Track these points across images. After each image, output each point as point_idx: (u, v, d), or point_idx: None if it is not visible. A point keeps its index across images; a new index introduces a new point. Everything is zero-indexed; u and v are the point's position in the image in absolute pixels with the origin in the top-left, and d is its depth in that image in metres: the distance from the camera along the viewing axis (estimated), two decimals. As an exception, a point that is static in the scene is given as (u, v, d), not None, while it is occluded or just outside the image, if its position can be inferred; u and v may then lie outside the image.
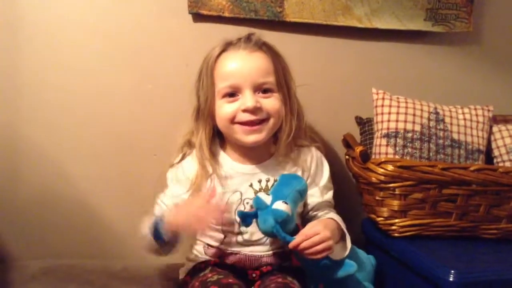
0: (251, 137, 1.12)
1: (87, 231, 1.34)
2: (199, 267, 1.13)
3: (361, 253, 1.22)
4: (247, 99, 1.10)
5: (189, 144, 1.20)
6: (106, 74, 1.32)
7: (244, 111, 1.10)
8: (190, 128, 1.20)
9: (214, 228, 1.09)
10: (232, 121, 1.12)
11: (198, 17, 1.34)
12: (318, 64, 1.43)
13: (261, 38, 1.17)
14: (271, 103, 1.13)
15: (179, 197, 1.14)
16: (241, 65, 1.12)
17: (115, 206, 1.35)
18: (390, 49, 1.47)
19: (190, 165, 1.17)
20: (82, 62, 1.31)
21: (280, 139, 1.17)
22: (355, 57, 1.46)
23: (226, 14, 1.33)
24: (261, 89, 1.13)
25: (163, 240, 1.05)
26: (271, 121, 1.13)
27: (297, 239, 1.00)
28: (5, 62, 1.27)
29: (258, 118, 1.11)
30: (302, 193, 1.08)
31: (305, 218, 1.22)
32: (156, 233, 1.04)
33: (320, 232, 1.01)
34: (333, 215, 1.18)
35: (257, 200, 1.05)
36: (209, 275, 1.05)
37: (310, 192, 1.19)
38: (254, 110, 1.10)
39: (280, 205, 1.02)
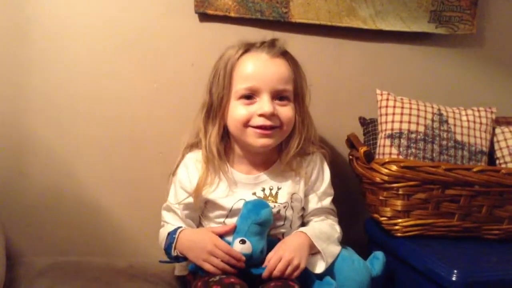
0: (261, 141, 1.12)
1: (92, 229, 1.35)
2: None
3: (358, 262, 1.17)
4: (265, 103, 1.10)
5: (192, 147, 1.21)
6: (113, 73, 1.33)
7: (261, 115, 1.11)
8: (195, 129, 1.20)
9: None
10: (246, 124, 1.12)
11: (204, 17, 1.34)
12: (323, 65, 1.44)
13: (284, 46, 1.17)
14: (286, 112, 1.13)
15: (187, 202, 1.16)
16: (263, 69, 1.12)
17: (121, 204, 1.36)
18: (394, 50, 1.48)
19: (194, 173, 1.17)
20: (88, 62, 1.31)
21: (288, 148, 1.18)
22: (359, 58, 1.47)
23: (232, 14, 1.34)
24: (278, 96, 1.13)
25: (173, 256, 1.11)
26: (283, 129, 1.14)
27: (265, 272, 1.04)
28: (13, 61, 1.28)
29: (271, 124, 1.12)
30: (263, 223, 1.07)
31: (304, 222, 1.24)
32: (168, 249, 1.12)
33: (282, 256, 1.05)
34: (319, 224, 1.20)
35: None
36: (212, 275, 1.06)
37: (308, 198, 1.22)
38: (270, 116, 1.11)
39: (238, 247, 1.05)
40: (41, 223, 1.32)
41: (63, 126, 1.32)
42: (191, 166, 1.18)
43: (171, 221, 1.17)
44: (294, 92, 1.15)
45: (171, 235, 1.10)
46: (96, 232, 1.35)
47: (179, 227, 1.12)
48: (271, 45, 1.15)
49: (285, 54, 1.16)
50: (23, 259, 1.19)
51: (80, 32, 1.30)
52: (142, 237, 1.36)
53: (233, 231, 1.08)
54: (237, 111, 1.12)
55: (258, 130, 1.11)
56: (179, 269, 1.21)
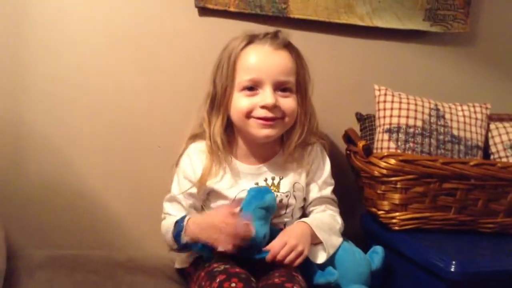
0: (264, 131, 1.13)
1: (91, 222, 1.34)
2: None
3: (359, 254, 1.19)
4: (267, 95, 1.11)
5: (196, 137, 1.21)
6: (111, 67, 1.32)
7: (263, 107, 1.11)
8: (199, 120, 1.21)
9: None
10: (248, 115, 1.13)
11: (204, 11, 1.35)
12: (320, 61, 1.43)
13: (287, 38, 1.18)
14: (289, 103, 1.14)
15: (191, 192, 1.16)
16: (266, 61, 1.13)
17: (120, 197, 1.35)
18: (390, 47, 1.50)
19: (198, 163, 1.17)
20: (87, 55, 1.31)
21: (290, 140, 1.19)
22: (356, 55, 1.48)
23: (232, 9, 1.35)
24: (281, 87, 1.14)
25: (182, 243, 1.09)
26: (286, 119, 1.15)
27: (269, 256, 1.05)
28: (11, 54, 1.27)
29: (273, 116, 1.13)
30: (267, 208, 1.08)
31: (305, 212, 1.26)
32: (177, 236, 1.09)
33: (287, 242, 1.06)
34: (320, 215, 1.21)
35: None
36: (215, 265, 1.06)
37: (309, 187, 1.23)
38: (272, 108, 1.11)
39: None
40: (40, 216, 1.31)
41: (62, 119, 1.31)
42: (195, 156, 1.18)
43: (174, 212, 1.16)
44: (297, 84, 1.16)
45: (179, 223, 1.09)
46: (95, 226, 1.34)
47: (185, 216, 1.12)
48: (274, 37, 1.16)
49: (288, 46, 1.16)
50: (22, 252, 1.18)
51: (79, 25, 1.30)
52: (140, 230, 1.36)
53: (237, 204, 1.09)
54: (240, 102, 1.13)
55: (261, 121, 1.12)
56: (179, 261, 1.21)
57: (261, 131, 1.13)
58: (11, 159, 1.29)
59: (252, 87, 1.13)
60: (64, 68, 1.30)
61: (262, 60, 1.13)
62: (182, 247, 1.10)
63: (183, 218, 1.10)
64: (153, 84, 1.35)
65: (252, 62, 1.13)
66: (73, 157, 1.32)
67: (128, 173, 1.35)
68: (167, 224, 1.14)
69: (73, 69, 1.30)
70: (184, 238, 1.07)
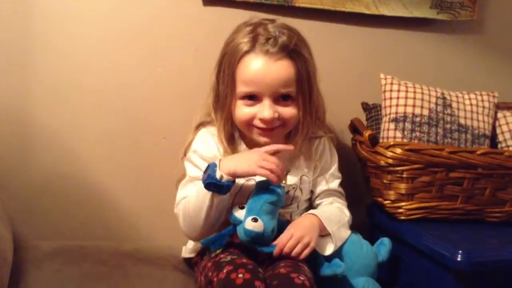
0: (264, 139, 1.14)
1: (97, 214, 1.35)
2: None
3: (366, 246, 1.18)
4: (265, 109, 1.10)
5: (203, 125, 1.21)
6: (116, 57, 1.32)
7: (261, 120, 1.11)
8: (206, 109, 1.20)
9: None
10: (249, 123, 1.13)
11: (208, 1, 1.34)
12: (325, 50, 1.43)
13: (291, 41, 1.11)
14: (289, 112, 1.13)
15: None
16: (264, 74, 1.10)
17: (126, 188, 1.36)
18: (396, 36, 1.49)
19: (212, 143, 1.17)
20: (92, 47, 1.30)
21: (295, 138, 1.19)
22: (362, 44, 1.47)
23: (237, -2, 1.34)
24: (281, 96, 1.12)
25: (217, 183, 1.04)
26: (286, 127, 1.16)
27: (276, 249, 1.05)
28: (19, 51, 1.27)
29: (272, 127, 1.13)
30: (275, 202, 1.07)
31: (312, 205, 1.26)
32: (210, 177, 1.04)
33: (293, 233, 1.06)
34: (328, 207, 1.21)
35: (232, 217, 1.08)
36: (222, 255, 1.06)
37: (316, 180, 1.23)
38: (270, 121, 1.11)
39: (250, 224, 1.04)
40: (46, 208, 1.32)
41: (68, 113, 1.31)
42: (208, 137, 1.17)
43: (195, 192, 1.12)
44: (299, 90, 1.13)
45: (212, 166, 1.05)
46: (101, 217, 1.35)
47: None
48: (274, 45, 1.10)
49: (289, 52, 1.11)
50: (30, 243, 1.19)
51: (84, 18, 1.29)
52: (147, 221, 1.36)
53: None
54: (240, 111, 1.13)
55: (260, 131, 1.13)
56: (186, 251, 1.22)
57: (261, 139, 1.14)
58: (19, 152, 1.29)
59: (252, 96, 1.12)
60: (70, 61, 1.29)
61: (260, 74, 1.10)
62: (218, 185, 1.04)
63: (214, 163, 1.06)
64: (158, 75, 1.35)
65: (250, 74, 1.10)
66: (80, 149, 1.33)
67: (134, 165, 1.35)
68: (188, 200, 1.10)
69: (79, 63, 1.30)
70: (219, 173, 1.03)
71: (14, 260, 1.07)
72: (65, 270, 1.10)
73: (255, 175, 1.08)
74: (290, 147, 1.14)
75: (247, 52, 1.11)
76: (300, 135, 1.18)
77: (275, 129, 1.14)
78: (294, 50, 1.12)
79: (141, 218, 1.37)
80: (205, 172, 1.07)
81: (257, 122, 1.12)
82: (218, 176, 1.03)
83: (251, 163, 1.05)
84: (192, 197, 1.10)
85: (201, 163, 1.14)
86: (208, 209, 1.06)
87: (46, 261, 1.12)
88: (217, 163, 1.06)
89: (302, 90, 1.14)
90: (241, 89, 1.12)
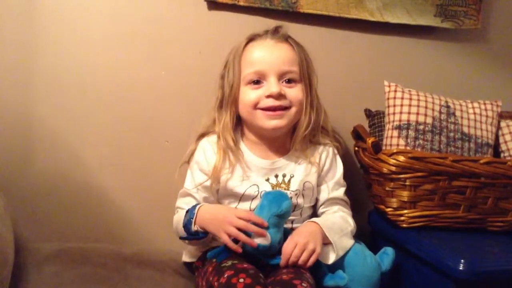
0: (273, 122, 1.14)
1: (98, 216, 1.34)
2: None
3: (370, 257, 1.17)
4: (272, 85, 1.13)
5: (205, 135, 1.22)
6: (121, 60, 1.32)
7: (268, 96, 1.13)
8: (210, 119, 1.22)
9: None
10: (255, 107, 1.15)
11: (213, 5, 1.34)
12: (329, 56, 1.44)
13: (287, 33, 1.20)
14: (294, 92, 1.16)
15: (206, 185, 1.17)
16: (268, 53, 1.16)
17: (127, 191, 1.36)
18: (400, 43, 1.49)
19: (211, 153, 1.18)
20: (96, 49, 1.31)
21: (297, 131, 1.19)
22: (366, 50, 1.48)
23: (241, 3, 1.34)
24: (285, 78, 1.15)
25: (192, 231, 1.10)
26: (293, 109, 1.16)
27: (282, 260, 1.05)
28: (21, 48, 1.27)
29: (280, 105, 1.14)
30: (283, 215, 1.07)
31: (316, 213, 1.26)
32: (188, 224, 1.10)
33: (297, 242, 1.06)
34: (332, 216, 1.21)
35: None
36: (223, 260, 1.06)
37: (320, 188, 1.24)
38: (278, 96, 1.13)
39: (258, 238, 1.05)
40: (47, 209, 1.31)
41: (71, 114, 1.31)
42: (208, 148, 1.19)
43: (186, 207, 1.16)
44: (301, 73, 1.17)
45: (191, 211, 1.10)
46: (102, 219, 1.34)
47: (197, 204, 1.12)
48: (274, 32, 1.19)
49: (289, 39, 1.19)
50: (31, 245, 1.18)
51: (89, 21, 1.30)
52: (148, 225, 1.36)
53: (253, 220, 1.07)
54: (246, 95, 1.15)
55: (268, 112, 1.14)
56: (187, 255, 1.21)
57: (269, 123, 1.14)
58: (20, 153, 1.29)
59: (258, 80, 1.15)
60: (74, 63, 1.30)
61: (264, 53, 1.16)
62: (193, 235, 1.10)
63: (194, 206, 1.11)
64: (162, 78, 1.35)
65: (255, 55, 1.16)
66: (82, 151, 1.33)
67: (136, 168, 1.35)
68: (178, 217, 1.15)
69: (83, 65, 1.30)
70: (195, 226, 1.08)
71: (15, 262, 1.06)
72: (64, 273, 1.09)
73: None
74: (264, 224, 1.05)
75: (250, 40, 1.18)
76: (301, 125, 1.18)
77: (283, 111, 1.14)
78: (293, 40, 1.19)
79: (142, 221, 1.37)
80: (186, 213, 1.11)
81: (263, 103, 1.14)
82: (193, 229, 1.09)
83: (218, 227, 1.06)
84: (175, 219, 1.16)
85: (198, 176, 1.18)
86: (189, 243, 1.15)
87: (46, 263, 1.12)
88: (195, 211, 1.09)
89: (304, 76, 1.17)
90: (247, 71, 1.15)
